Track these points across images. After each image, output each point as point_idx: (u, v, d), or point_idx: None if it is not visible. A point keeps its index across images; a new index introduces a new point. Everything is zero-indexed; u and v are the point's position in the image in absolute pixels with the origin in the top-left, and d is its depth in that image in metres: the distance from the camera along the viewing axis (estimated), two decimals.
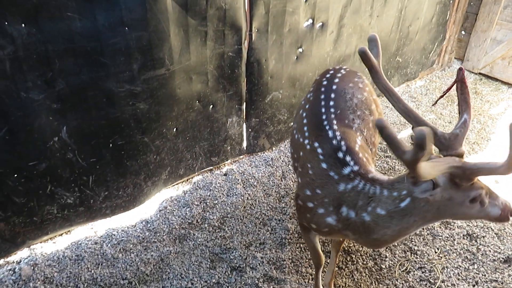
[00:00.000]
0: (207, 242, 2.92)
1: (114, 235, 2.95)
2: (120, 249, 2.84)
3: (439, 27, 4.76)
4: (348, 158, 1.92)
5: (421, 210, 1.68)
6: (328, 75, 2.43)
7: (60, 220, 2.74)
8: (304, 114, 2.27)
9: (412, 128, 1.81)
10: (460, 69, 1.81)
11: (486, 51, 5.00)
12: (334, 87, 2.29)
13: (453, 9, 4.79)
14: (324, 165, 1.95)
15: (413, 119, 1.82)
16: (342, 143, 1.98)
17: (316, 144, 2.03)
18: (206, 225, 3.06)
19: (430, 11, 4.47)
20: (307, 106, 2.30)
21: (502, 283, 2.65)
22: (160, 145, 2.96)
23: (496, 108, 4.52)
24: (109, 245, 2.87)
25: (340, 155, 1.94)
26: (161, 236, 2.96)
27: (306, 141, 2.12)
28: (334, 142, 1.99)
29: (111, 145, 2.68)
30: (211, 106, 3.15)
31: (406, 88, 4.96)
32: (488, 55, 4.98)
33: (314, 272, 2.52)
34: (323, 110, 2.17)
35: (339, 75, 2.41)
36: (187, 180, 3.45)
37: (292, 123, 2.53)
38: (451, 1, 4.65)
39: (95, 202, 2.83)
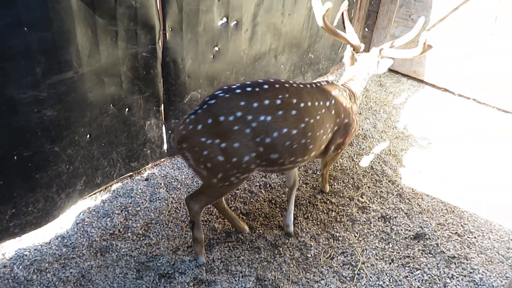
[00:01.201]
0: (132, 251, 2.80)
1: (25, 255, 2.69)
2: (34, 270, 2.60)
3: None
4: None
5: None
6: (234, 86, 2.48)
7: None
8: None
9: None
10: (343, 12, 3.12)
11: None
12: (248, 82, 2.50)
13: (356, 8, 5.12)
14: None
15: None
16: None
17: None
18: (129, 234, 2.93)
19: (336, 10, 4.71)
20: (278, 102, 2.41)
21: (413, 258, 2.91)
22: (73, 154, 2.76)
23: (399, 99, 4.94)
24: (20, 267, 2.61)
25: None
26: (80, 250, 2.77)
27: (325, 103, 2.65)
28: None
29: (15, 157, 2.43)
30: (127, 109, 3.01)
31: None
32: None
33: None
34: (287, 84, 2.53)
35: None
36: (106, 188, 3.27)
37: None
38: (354, 0, 4.97)
39: (1, 221, 2.55)
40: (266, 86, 2.42)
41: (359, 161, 3.86)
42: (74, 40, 2.42)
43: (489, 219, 3.29)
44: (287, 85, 2.49)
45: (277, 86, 2.45)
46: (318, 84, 2.72)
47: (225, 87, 2.42)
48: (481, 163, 3.90)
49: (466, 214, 3.32)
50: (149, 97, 3.12)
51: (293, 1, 3.97)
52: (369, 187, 3.55)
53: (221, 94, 2.38)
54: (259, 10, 3.62)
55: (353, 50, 3.01)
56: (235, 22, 3.44)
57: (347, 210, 3.30)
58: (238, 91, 2.39)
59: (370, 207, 3.34)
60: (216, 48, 3.41)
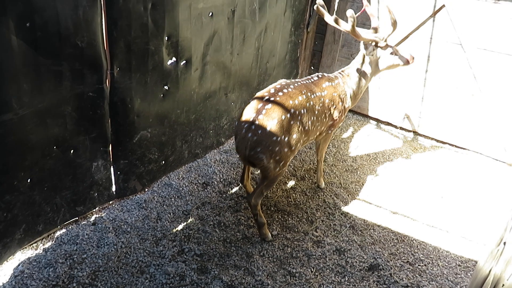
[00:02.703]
0: None
1: None
2: None
3: (292, 63, 5.26)
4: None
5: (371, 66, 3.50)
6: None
7: None
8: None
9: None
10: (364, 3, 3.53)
11: None
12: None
13: (302, 48, 5.36)
14: None
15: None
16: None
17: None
18: (74, 284, 2.72)
19: (283, 49, 4.92)
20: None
21: None
22: (11, 200, 2.57)
23: (346, 133, 5.13)
24: None
25: None
26: None
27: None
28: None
29: None
30: (72, 151, 2.88)
31: None
32: None
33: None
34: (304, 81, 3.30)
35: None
36: (48, 236, 3.05)
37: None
38: (300, 41, 5.20)
39: None
40: (292, 86, 3.10)
41: (312, 195, 3.92)
42: (15, 80, 2.33)
43: (437, 246, 3.41)
44: (299, 82, 3.21)
45: (296, 85, 3.14)
46: (315, 79, 3.38)
47: (266, 94, 3.01)
48: (425, 192, 4.09)
49: (416, 243, 3.43)
50: (96, 138, 3.02)
51: (241, 41, 4.09)
52: (322, 221, 3.59)
53: (271, 99, 2.95)
54: (208, 50, 3.69)
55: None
56: (184, 61, 3.47)
57: (302, 245, 3.29)
58: (280, 93, 3.00)
59: (324, 240, 3.36)
60: (166, 87, 3.40)
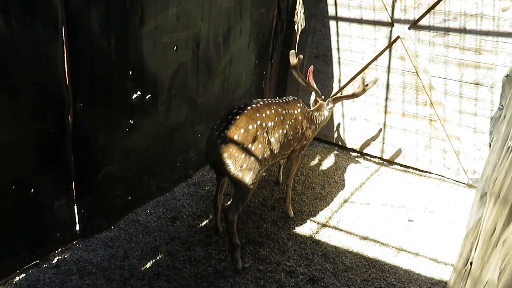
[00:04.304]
0: None
1: None
2: None
3: (258, 94, 5.34)
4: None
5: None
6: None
7: None
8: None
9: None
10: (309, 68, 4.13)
11: None
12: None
13: (267, 79, 5.47)
14: None
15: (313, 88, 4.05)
16: None
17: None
18: None
19: (249, 81, 5.00)
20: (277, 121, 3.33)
21: None
22: None
23: (314, 161, 5.20)
24: None
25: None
26: None
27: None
28: None
29: None
30: (32, 190, 2.76)
31: None
32: None
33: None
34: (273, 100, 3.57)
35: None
36: (6, 282, 2.86)
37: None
38: (264, 72, 5.31)
39: None
40: (261, 103, 3.35)
41: (283, 224, 3.90)
42: None
43: (408, 269, 3.45)
44: (271, 100, 3.49)
45: (266, 102, 3.40)
46: (289, 99, 3.69)
47: (236, 107, 3.24)
48: (393, 216, 4.16)
49: (387, 267, 3.45)
50: (58, 176, 2.91)
51: (207, 74, 4.13)
52: (294, 250, 3.56)
53: (240, 111, 3.16)
54: (174, 83, 3.70)
55: (317, 97, 4.07)
56: (150, 95, 3.45)
57: (275, 276, 3.24)
58: (249, 107, 3.22)
59: (297, 270, 3.33)
60: (131, 121, 3.36)
